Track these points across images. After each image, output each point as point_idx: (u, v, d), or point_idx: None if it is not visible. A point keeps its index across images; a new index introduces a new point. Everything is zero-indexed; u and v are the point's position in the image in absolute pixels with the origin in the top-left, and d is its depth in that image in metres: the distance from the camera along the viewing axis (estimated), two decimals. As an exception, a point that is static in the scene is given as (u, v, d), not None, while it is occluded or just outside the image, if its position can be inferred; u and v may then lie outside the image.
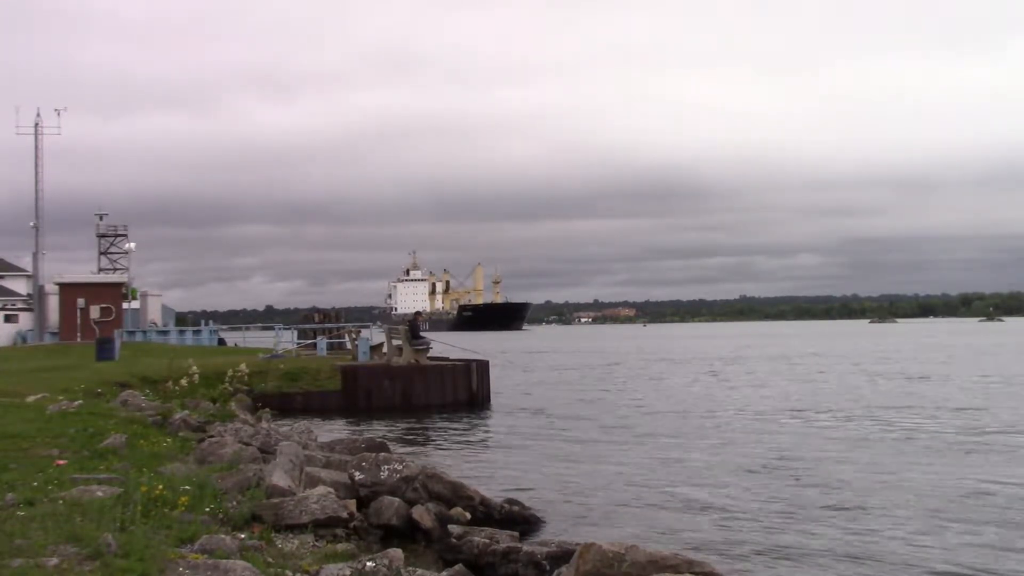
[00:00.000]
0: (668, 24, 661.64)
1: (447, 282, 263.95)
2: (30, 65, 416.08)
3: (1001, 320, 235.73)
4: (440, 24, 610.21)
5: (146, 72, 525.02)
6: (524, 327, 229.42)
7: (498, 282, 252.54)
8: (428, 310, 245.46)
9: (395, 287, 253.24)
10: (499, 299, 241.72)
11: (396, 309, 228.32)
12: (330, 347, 38.17)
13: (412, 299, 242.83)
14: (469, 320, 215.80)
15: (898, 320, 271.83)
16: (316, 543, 9.29)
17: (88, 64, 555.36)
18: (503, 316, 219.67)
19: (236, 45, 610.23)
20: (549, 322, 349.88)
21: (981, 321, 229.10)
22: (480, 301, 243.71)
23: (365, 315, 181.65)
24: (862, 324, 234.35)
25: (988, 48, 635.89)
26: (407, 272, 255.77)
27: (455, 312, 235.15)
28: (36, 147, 56.60)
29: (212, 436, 15.42)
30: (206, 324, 58.45)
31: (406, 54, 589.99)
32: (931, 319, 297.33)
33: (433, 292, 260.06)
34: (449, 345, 37.46)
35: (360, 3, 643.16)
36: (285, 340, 41.18)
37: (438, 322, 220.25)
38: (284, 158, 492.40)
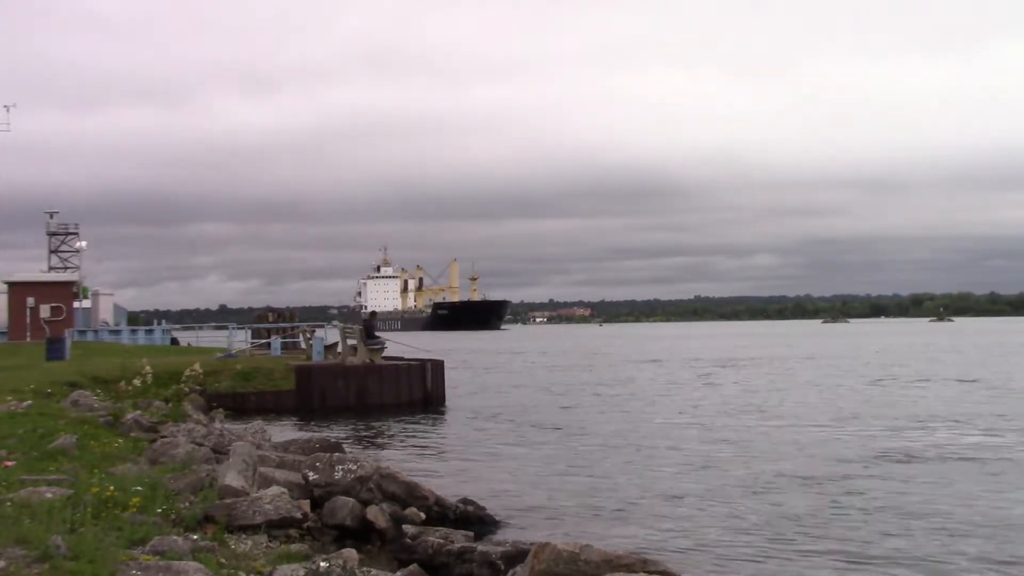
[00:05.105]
0: (635, 24, 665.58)
1: (420, 279, 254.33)
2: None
3: (951, 320, 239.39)
4: (414, 22, 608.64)
5: (113, 67, 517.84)
6: (503, 326, 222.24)
7: (475, 279, 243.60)
8: (400, 308, 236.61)
9: (364, 284, 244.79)
10: (476, 297, 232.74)
11: (365, 307, 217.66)
12: (284, 347, 37.90)
13: (383, 297, 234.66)
14: (444, 319, 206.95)
15: (850, 320, 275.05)
16: (270, 544, 9.26)
17: (51, 58, 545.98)
18: (480, 315, 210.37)
19: (208, 40, 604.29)
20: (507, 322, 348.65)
21: (931, 321, 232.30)
22: (456, 299, 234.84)
23: (320, 315, 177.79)
24: (815, 324, 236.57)
25: (953, 51, 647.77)
26: (377, 269, 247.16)
27: (429, 310, 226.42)
28: (-15, 144, 55.84)
29: (165, 436, 15.26)
30: (159, 323, 57.88)
31: (379, 52, 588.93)
32: (882, 319, 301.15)
33: (405, 290, 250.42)
34: (404, 345, 37.29)
35: (334, 0, 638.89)
36: (239, 340, 40.80)
37: (411, 321, 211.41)
38: (252, 155, 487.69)
